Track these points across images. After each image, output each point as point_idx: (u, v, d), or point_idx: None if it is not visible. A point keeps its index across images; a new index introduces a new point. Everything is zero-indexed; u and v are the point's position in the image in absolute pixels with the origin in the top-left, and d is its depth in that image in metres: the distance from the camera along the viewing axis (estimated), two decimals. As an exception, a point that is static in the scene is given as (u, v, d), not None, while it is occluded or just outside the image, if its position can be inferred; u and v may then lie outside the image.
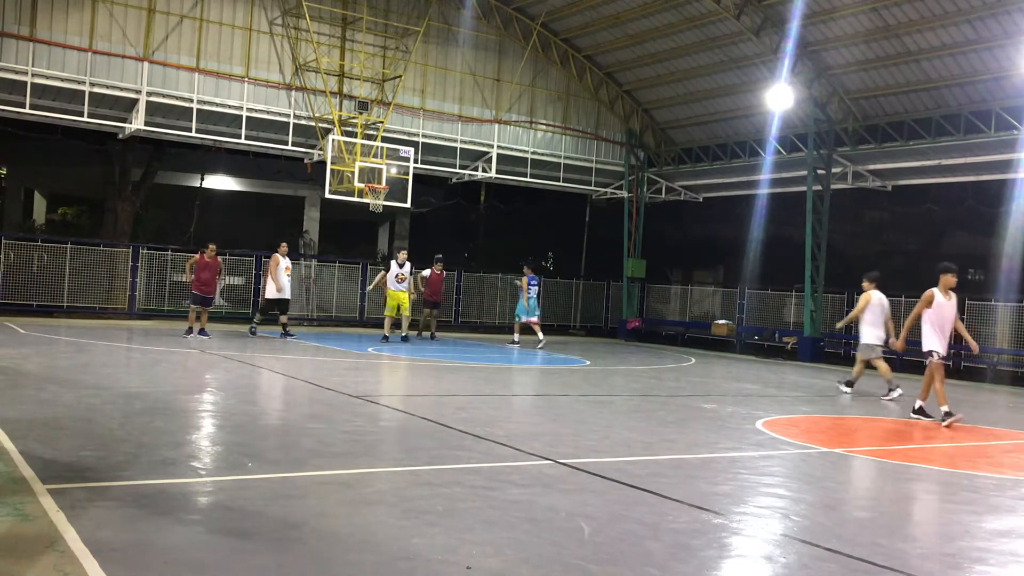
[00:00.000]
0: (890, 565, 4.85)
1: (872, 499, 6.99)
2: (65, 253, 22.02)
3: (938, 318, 11.14)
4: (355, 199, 21.53)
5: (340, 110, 22.32)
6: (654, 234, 28.94)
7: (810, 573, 4.69)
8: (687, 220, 34.07)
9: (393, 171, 21.74)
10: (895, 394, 13.43)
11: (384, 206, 22.15)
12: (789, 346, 23.37)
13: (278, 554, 4.45)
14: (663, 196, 28.28)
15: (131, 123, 20.75)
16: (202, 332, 17.97)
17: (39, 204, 37.98)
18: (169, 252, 23.41)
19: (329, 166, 21.28)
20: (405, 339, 19.62)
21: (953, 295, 11.30)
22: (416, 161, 22.63)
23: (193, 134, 21.43)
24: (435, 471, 6.54)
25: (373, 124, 22.51)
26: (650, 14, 22.46)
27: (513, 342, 21.32)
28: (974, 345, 12.04)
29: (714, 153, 25.76)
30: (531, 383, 14.35)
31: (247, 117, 21.58)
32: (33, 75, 19.42)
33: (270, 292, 19.16)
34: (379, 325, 21.48)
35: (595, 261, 30.96)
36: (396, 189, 21.79)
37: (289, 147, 22.53)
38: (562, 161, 26.17)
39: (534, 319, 21.38)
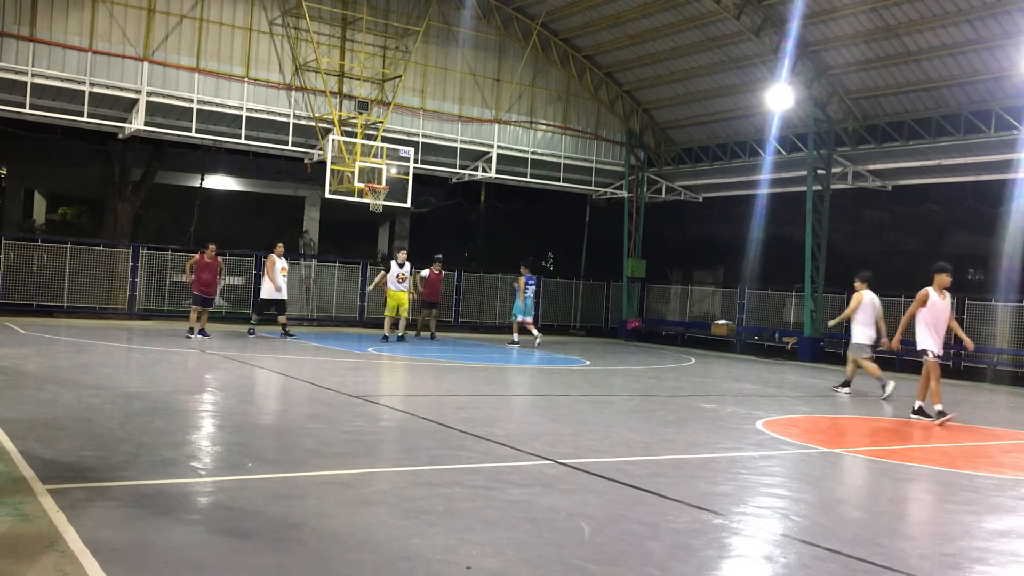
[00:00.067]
0: (890, 565, 4.85)
1: (872, 499, 6.98)
2: (65, 253, 22.01)
3: (933, 317, 11.24)
4: (355, 199, 21.53)
5: (340, 110, 22.31)
6: (654, 234, 28.93)
7: (810, 573, 4.69)
8: (687, 220, 34.07)
9: (393, 171, 21.74)
10: (889, 388, 13.44)
11: (384, 206, 22.15)
12: (789, 346, 23.36)
13: (278, 554, 4.46)
14: (663, 196, 28.28)
15: (131, 123, 20.75)
16: (202, 332, 17.99)
17: (39, 204, 38.00)
18: (169, 252, 23.40)
19: (329, 166, 21.28)
20: (401, 339, 19.64)
21: (948, 294, 11.37)
22: (416, 161, 22.62)
23: (193, 134, 21.43)
24: (435, 471, 6.54)
25: (373, 124, 22.51)
26: (650, 14, 22.46)
27: (512, 342, 21.33)
28: (969, 343, 12.07)
29: (714, 153, 25.75)
30: (531, 383, 14.35)
31: (247, 117, 21.58)
32: (33, 75, 19.42)
33: (266, 292, 19.23)
34: (379, 325, 21.49)
35: (595, 261, 30.94)
36: (396, 189, 21.79)
37: (289, 147, 22.53)
38: (562, 161, 26.16)
39: (528, 319, 21.41)
